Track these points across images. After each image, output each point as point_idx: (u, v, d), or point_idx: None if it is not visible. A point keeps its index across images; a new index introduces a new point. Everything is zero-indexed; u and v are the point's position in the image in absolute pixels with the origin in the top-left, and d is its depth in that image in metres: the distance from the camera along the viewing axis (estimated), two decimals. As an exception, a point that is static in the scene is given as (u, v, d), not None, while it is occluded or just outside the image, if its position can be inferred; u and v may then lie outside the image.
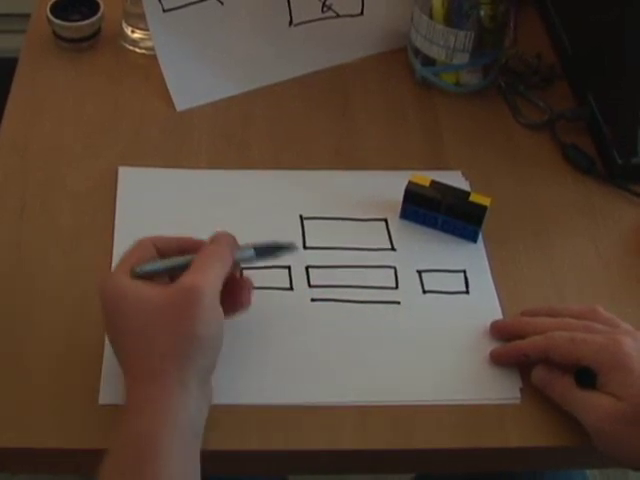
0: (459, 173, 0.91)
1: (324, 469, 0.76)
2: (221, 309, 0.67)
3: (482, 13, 0.94)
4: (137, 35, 1.02)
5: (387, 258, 0.84)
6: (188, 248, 0.72)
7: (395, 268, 0.83)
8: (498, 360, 0.76)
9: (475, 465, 0.76)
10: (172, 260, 0.71)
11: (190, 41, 0.96)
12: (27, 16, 1.06)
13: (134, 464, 0.62)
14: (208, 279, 0.67)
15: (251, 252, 0.74)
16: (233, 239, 0.73)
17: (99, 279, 0.69)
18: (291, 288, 0.80)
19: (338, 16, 1.01)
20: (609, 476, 1.54)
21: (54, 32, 1.01)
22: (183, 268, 0.69)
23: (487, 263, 0.84)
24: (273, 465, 0.75)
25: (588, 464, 0.91)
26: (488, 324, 0.78)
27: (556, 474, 0.95)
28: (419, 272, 0.83)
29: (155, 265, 0.70)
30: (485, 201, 0.84)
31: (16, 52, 1.02)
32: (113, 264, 0.80)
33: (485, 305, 0.81)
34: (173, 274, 0.70)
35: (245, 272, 0.77)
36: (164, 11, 0.93)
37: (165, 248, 0.72)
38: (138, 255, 0.70)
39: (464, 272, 0.83)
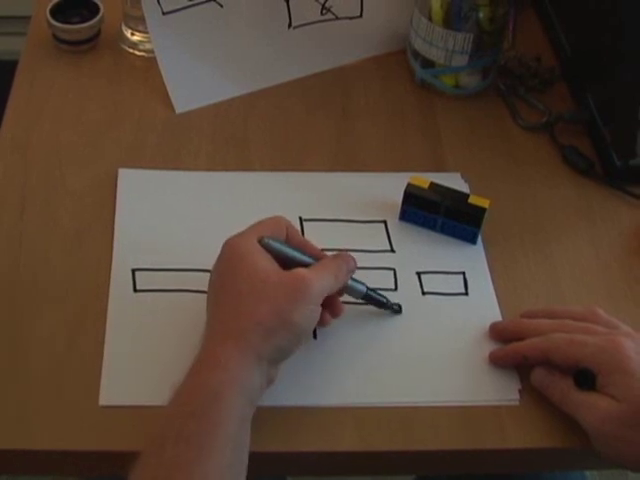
0: (458, 175, 0.92)
1: (323, 471, 0.76)
2: (320, 309, 0.71)
3: (481, 15, 0.94)
4: (137, 38, 1.02)
5: (386, 260, 0.84)
6: (309, 251, 0.75)
7: (394, 270, 0.83)
8: (497, 361, 0.76)
9: (474, 466, 0.76)
10: (296, 252, 0.73)
11: (189, 43, 0.96)
12: (27, 19, 1.06)
13: (196, 411, 0.63)
14: (320, 281, 0.70)
15: (363, 288, 0.77)
16: (354, 265, 0.76)
17: (230, 238, 0.72)
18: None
19: (337, 18, 1.01)
20: (608, 477, 1.54)
21: (54, 35, 1.01)
22: (300, 265, 0.72)
23: (486, 265, 0.84)
24: (272, 467, 0.75)
25: (587, 465, 0.91)
26: (487, 326, 0.79)
27: (555, 475, 0.95)
28: (418, 274, 0.83)
29: (282, 246, 0.73)
30: (484, 203, 0.84)
31: (16, 54, 1.02)
32: (113, 264, 0.81)
33: (484, 307, 0.81)
34: (290, 264, 0.72)
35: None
36: (163, 14, 0.93)
37: (292, 238, 0.75)
38: (271, 228, 0.73)
39: (463, 274, 0.83)
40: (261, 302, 0.68)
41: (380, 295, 0.78)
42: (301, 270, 0.70)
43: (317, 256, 0.75)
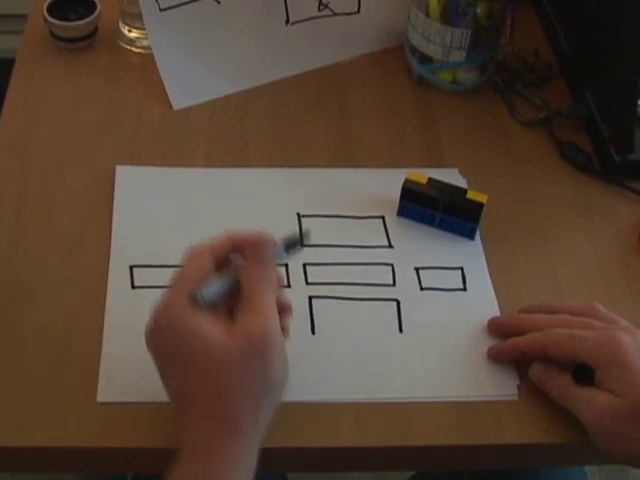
0: (456, 170, 0.92)
1: (322, 467, 0.76)
2: (282, 333, 0.66)
3: (478, 11, 0.94)
4: (134, 34, 1.02)
5: (384, 255, 0.84)
6: (241, 246, 0.69)
7: (392, 265, 0.83)
8: (496, 357, 0.76)
9: (473, 462, 0.76)
10: (228, 278, 0.68)
11: (187, 40, 0.96)
12: (24, 16, 1.06)
13: None
14: (271, 319, 0.65)
15: (283, 254, 0.71)
16: (273, 245, 0.70)
17: (156, 310, 0.65)
18: (288, 285, 0.80)
19: (335, 14, 1.01)
20: (608, 473, 1.54)
21: (51, 32, 1.01)
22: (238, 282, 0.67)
23: (484, 260, 0.84)
24: (272, 463, 0.75)
25: (586, 461, 0.91)
26: (486, 321, 0.78)
27: (554, 471, 0.95)
28: (416, 269, 0.83)
29: (216, 289, 0.66)
30: (482, 198, 0.84)
31: (13, 52, 1.02)
32: (111, 261, 0.81)
33: (483, 302, 0.81)
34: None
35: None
36: (161, 10, 0.93)
37: (222, 255, 0.69)
38: (196, 272, 0.66)
39: (461, 269, 0.83)
40: (232, 380, 0.63)
41: (290, 237, 0.73)
42: (252, 324, 0.64)
43: (247, 242, 0.69)
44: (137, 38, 1.02)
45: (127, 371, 0.73)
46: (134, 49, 1.02)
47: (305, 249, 0.83)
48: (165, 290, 0.66)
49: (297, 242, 0.72)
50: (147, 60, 0.98)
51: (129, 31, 1.03)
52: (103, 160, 0.90)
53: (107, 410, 0.71)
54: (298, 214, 0.86)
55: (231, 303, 0.67)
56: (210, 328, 0.63)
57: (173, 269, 0.80)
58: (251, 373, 0.63)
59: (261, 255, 0.69)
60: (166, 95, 0.96)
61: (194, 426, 0.63)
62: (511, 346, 0.75)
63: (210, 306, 0.65)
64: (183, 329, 0.63)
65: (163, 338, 0.65)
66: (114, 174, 0.88)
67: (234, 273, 0.68)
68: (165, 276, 0.79)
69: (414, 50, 1.00)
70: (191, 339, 0.63)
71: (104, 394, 0.72)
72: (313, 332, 0.77)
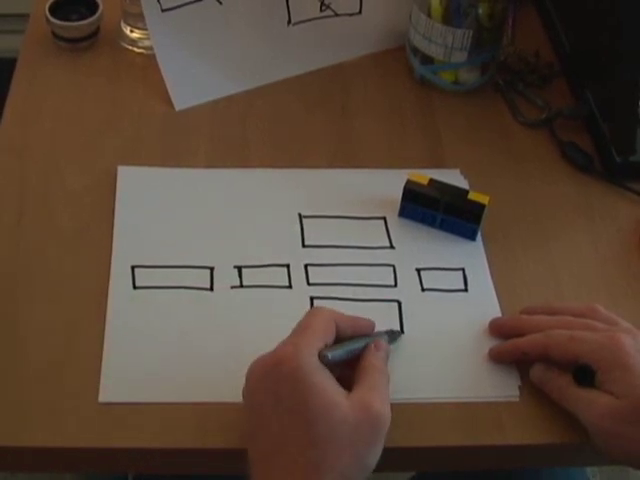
0: (457, 171, 0.92)
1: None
2: None
3: (480, 11, 0.94)
4: (136, 35, 1.02)
5: (386, 256, 0.84)
6: (359, 330, 0.72)
7: (394, 266, 0.83)
8: (497, 358, 0.76)
9: (474, 463, 0.76)
10: (352, 345, 0.70)
11: (189, 40, 0.96)
12: (26, 16, 1.06)
13: None
14: (386, 401, 0.66)
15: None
16: (387, 348, 0.72)
17: (283, 350, 0.66)
18: (290, 286, 0.80)
19: (336, 15, 1.01)
20: (609, 474, 1.54)
21: (53, 32, 1.01)
22: (358, 352, 0.70)
23: (486, 261, 0.84)
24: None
25: (587, 462, 0.91)
26: (487, 322, 0.78)
27: (556, 472, 0.95)
28: (418, 270, 0.83)
29: (342, 351, 0.68)
30: (484, 199, 0.84)
31: (15, 52, 1.02)
32: (113, 261, 0.81)
33: (484, 303, 0.81)
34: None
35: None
36: (163, 10, 0.93)
37: (343, 327, 0.70)
38: (324, 332, 0.68)
39: (463, 270, 0.83)
40: (343, 451, 0.62)
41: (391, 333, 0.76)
42: (373, 403, 0.64)
43: (367, 328, 0.73)
44: (139, 38, 1.02)
45: (128, 371, 0.74)
46: (136, 49, 1.02)
47: (306, 250, 0.83)
48: (292, 336, 0.67)
49: (398, 333, 0.77)
50: (149, 60, 0.98)
51: (131, 31, 1.03)
52: (104, 160, 0.90)
53: (108, 410, 0.71)
54: (299, 215, 0.86)
55: (338, 370, 0.67)
56: (333, 388, 0.64)
57: (174, 269, 0.81)
58: (358, 445, 0.63)
59: (384, 345, 0.72)
60: (168, 95, 0.96)
61: (282, 467, 0.63)
62: (512, 347, 0.75)
63: (330, 367, 0.66)
64: (307, 379, 0.63)
65: (280, 380, 0.64)
66: (115, 174, 0.88)
67: (358, 346, 0.70)
68: (167, 277, 0.80)
69: (416, 51, 1.00)
70: (312, 392, 0.63)
71: (106, 394, 0.72)
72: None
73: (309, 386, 0.63)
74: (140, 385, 0.73)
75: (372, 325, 0.74)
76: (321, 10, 1.00)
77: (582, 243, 0.87)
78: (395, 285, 0.82)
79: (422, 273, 0.83)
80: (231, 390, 0.72)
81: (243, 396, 0.68)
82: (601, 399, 0.69)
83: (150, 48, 0.97)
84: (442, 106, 1.00)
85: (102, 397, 0.72)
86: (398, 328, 0.78)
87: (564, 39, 1.05)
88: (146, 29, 0.96)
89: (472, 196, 0.84)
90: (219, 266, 0.81)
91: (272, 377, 0.65)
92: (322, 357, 0.65)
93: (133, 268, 0.81)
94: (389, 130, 0.96)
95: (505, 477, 0.92)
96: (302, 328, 0.68)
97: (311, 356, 0.65)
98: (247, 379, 0.67)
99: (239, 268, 0.81)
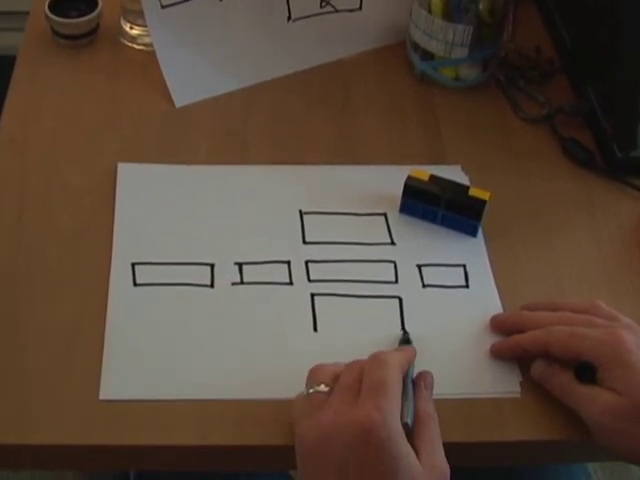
0: (458, 167, 0.91)
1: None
2: None
3: (481, 7, 0.94)
4: (135, 31, 1.02)
5: (387, 252, 0.84)
6: (411, 361, 0.71)
7: (395, 262, 0.83)
8: (498, 354, 0.76)
9: (475, 459, 0.76)
10: (410, 395, 0.68)
11: (188, 37, 0.96)
12: (25, 14, 1.06)
13: None
14: (444, 456, 0.65)
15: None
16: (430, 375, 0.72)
17: (368, 415, 0.62)
18: (291, 283, 0.80)
19: (337, 11, 1.01)
20: (611, 470, 1.54)
21: (52, 29, 1.01)
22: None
23: (487, 257, 0.84)
24: (274, 461, 0.75)
25: (588, 458, 0.91)
26: (488, 318, 0.78)
27: (557, 468, 0.95)
28: (419, 266, 0.83)
29: (412, 410, 0.67)
30: (484, 195, 0.84)
31: (15, 50, 1.02)
32: (113, 258, 0.80)
33: (485, 299, 0.81)
34: None
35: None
36: (162, 7, 0.93)
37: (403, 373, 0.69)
38: (399, 391, 0.66)
39: (464, 266, 0.83)
40: None
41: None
42: (441, 464, 0.64)
43: (413, 358, 0.72)
44: (139, 35, 1.02)
45: (129, 368, 0.73)
46: (136, 46, 1.02)
47: (307, 246, 0.83)
48: (371, 396, 0.64)
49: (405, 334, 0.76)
50: (149, 57, 0.98)
51: (131, 28, 1.02)
52: (105, 157, 0.90)
53: (109, 407, 0.71)
54: (300, 211, 0.86)
55: None
56: (413, 457, 0.63)
57: (175, 266, 0.81)
58: None
59: (428, 378, 0.71)
60: (168, 92, 0.96)
61: None
62: (513, 343, 0.75)
63: None
64: (396, 450, 0.62)
65: (367, 449, 0.61)
66: (115, 171, 0.88)
67: (411, 397, 0.68)
68: (167, 274, 0.80)
69: (416, 47, 1.00)
70: (400, 463, 0.62)
71: (106, 391, 0.72)
72: (315, 329, 0.77)
73: (398, 457, 0.62)
74: (141, 382, 0.73)
75: (414, 352, 0.73)
76: (321, 6, 1.00)
77: (583, 239, 0.87)
78: (396, 281, 0.81)
79: (423, 269, 0.82)
80: (232, 387, 0.73)
81: (300, 456, 0.65)
82: (602, 396, 0.68)
83: (150, 45, 0.97)
84: (443, 102, 1.00)
85: (103, 394, 0.72)
86: (399, 325, 0.78)
87: (565, 35, 1.05)
88: (146, 26, 0.96)
89: (473, 192, 0.84)
90: (220, 263, 0.81)
91: (356, 445, 0.62)
92: (404, 426, 0.64)
93: (133, 265, 0.80)
94: (390, 126, 0.96)
95: (506, 474, 0.92)
96: (380, 386, 0.64)
97: (398, 424, 0.63)
98: (306, 437, 0.64)
99: (240, 265, 0.81)
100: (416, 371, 0.73)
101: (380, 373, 0.65)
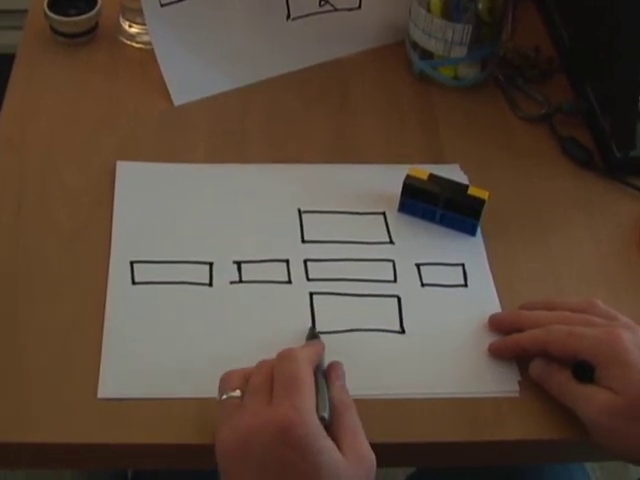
0: (457, 166, 0.91)
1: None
2: None
3: (480, 6, 0.94)
4: (134, 30, 1.02)
5: (385, 251, 0.84)
6: (320, 356, 0.71)
7: (393, 261, 0.83)
8: (496, 353, 0.76)
9: (473, 458, 0.76)
10: (324, 389, 0.67)
11: (187, 35, 0.96)
12: (24, 12, 1.06)
13: None
14: (369, 448, 0.64)
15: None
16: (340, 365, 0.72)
17: (284, 414, 0.61)
18: (289, 282, 0.80)
19: (336, 10, 1.01)
20: (609, 470, 1.54)
21: (51, 27, 1.01)
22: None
23: (485, 257, 0.84)
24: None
25: (587, 457, 0.91)
26: (486, 317, 0.78)
27: (556, 468, 0.95)
28: (417, 265, 0.83)
29: (327, 404, 0.65)
30: (483, 194, 0.84)
31: (13, 48, 1.02)
32: (112, 257, 0.80)
33: (484, 298, 0.81)
34: None
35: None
36: (161, 5, 0.93)
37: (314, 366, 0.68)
38: (312, 385, 0.65)
39: (462, 265, 0.83)
40: None
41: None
42: (362, 448, 0.63)
43: (322, 351, 0.71)
44: (138, 33, 1.02)
45: (127, 367, 0.73)
46: (135, 44, 1.02)
47: (306, 245, 0.83)
48: (284, 395, 0.63)
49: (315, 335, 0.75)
50: (148, 55, 0.98)
51: (130, 26, 1.02)
52: (103, 156, 0.90)
53: (107, 406, 0.71)
54: (299, 210, 0.86)
55: None
56: (334, 449, 0.62)
57: (173, 265, 0.80)
58: None
59: (338, 367, 0.71)
60: (167, 90, 0.96)
61: None
62: (512, 342, 0.75)
63: None
64: (317, 445, 0.61)
65: (286, 448, 0.61)
66: (114, 170, 0.88)
67: (326, 387, 0.68)
68: (166, 272, 0.80)
69: (415, 46, 1.00)
70: (322, 458, 0.61)
71: (105, 390, 0.72)
72: (314, 327, 0.77)
73: (319, 453, 0.61)
74: (139, 381, 0.73)
75: (323, 346, 0.72)
76: (320, 5, 1.00)
77: (582, 238, 0.87)
78: (395, 280, 0.81)
79: (422, 268, 0.82)
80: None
81: (220, 462, 0.64)
82: (600, 395, 0.68)
83: (149, 43, 0.97)
84: (441, 101, 1.00)
85: (101, 393, 0.72)
86: (398, 324, 0.78)
87: (564, 34, 1.05)
88: (145, 24, 0.95)
89: (472, 191, 0.84)
90: (218, 261, 0.81)
91: (275, 445, 0.61)
92: (321, 419, 0.63)
93: (132, 263, 0.80)
94: (388, 125, 0.96)
95: (505, 473, 0.92)
96: (292, 383, 0.64)
97: (315, 419, 0.62)
98: (225, 442, 0.63)
99: (238, 263, 0.81)
100: (413, 367, 0.73)
101: (291, 369, 0.65)
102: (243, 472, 0.62)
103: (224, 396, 0.66)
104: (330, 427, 0.64)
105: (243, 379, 0.67)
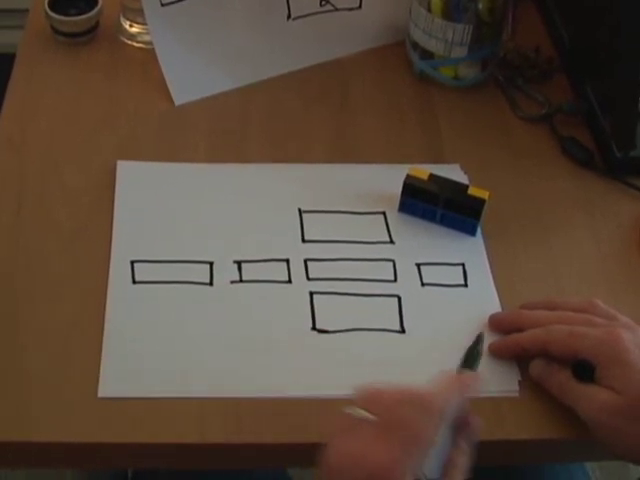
0: (457, 166, 0.91)
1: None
2: None
3: (480, 6, 0.94)
4: (135, 29, 1.02)
5: (386, 251, 0.84)
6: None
7: (394, 261, 0.83)
8: (496, 353, 0.76)
9: (474, 458, 0.76)
10: (444, 448, 0.64)
11: (188, 35, 0.96)
12: (25, 11, 1.06)
13: None
14: None
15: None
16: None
17: (379, 461, 0.60)
18: (290, 281, 0.80)
19: (336, 10, 1.01)
20: (609, 470, 1.54)
21: (52, 27, 1.01)
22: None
23: (486, 256, 0.84)
24: (274, 459, 0.75)
25: (587, 457, 0.91)
26: (487, 317, 0.78)
27: (556, 468, 0.95)
28: (418, 265, 0.83)
29: (438, 463, 0.63)
30: (483, 194, 0.84)
31: (14, 47, 1.02)
32: (112, 256, 0.81)
33: (484, 298, 0.81)
34: None
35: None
36: (162, 5, 0.93)
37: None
38: (427, 438, 0.62)
39: (463, 265, 0.83)
40: None
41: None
42: None
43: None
44: (138, 33, 1.02)
45: (128, 366, 0.73)
46: (135, 44, 1.02)
47: (306, 245, 0.83)
48: (394, 440, 0.61)
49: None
50: (148, 55, 0.98)
51: (130, 26, 1.02)
52: (103, 156, 0.90)
53: (108, 405, 0.71)
54: (299, 210, 0.86)
55: None
56: None
57: (174, 264, 0.80)
58: None
59: (475, 435, 0.68)
60: (167, 90, 0.96)
61: None
62: (512, 342, 0.75)
63: None
64: None
65: None
66: (114, 170, 0.88)
67: (448, 446, 0.64)
68: (166, 271, 0.80)
69: (415, 46, 1.00)
70: None
71: (105, 389, 0.72)
72: (314, 328, 0.77)
73: None
74: (139, 380, 0.73)
75: (469, 382, 0.69)
76: (321, 5, 1.00)
77: (582, 238, 0.87)
78: (395, 280, 0.81)
79: (422, 268, 0.82)
80: (231, 385, 0.73)
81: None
82: (600, 394, 0.69)
83: (149, 43, 0.97)
84: (442, 101, 1.00)
85: (101, 392, 0.72)
86: (398, 324, 0.78)
87: (564, 34, 1.05)
88: (145, 24, 0.96)
89: (472, 191, 0.84)
90: (219, 261, 0.81)
91: None
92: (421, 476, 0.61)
93: (132, 263, 0.80)
94: (388, 125, 0.96)
95: (505, 473, 0.92)
96: (412, 437, 0.62)
97: (408, 476, 0.61)
98: (328, 458, 0.62)
99: (239, 263, 0.81)
100: (413, 367, 0.72)
101: (420, 424, 0.62)
102: None
103: (361, 412, 0.64)
104: None
105: (385, 408, 0.64)
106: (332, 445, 0.63)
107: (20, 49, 1.01)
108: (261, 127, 0.95)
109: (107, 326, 0.76)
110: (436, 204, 0.85)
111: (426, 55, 1.00)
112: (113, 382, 0.72)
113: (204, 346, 0.75)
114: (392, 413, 0.63)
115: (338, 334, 0.77)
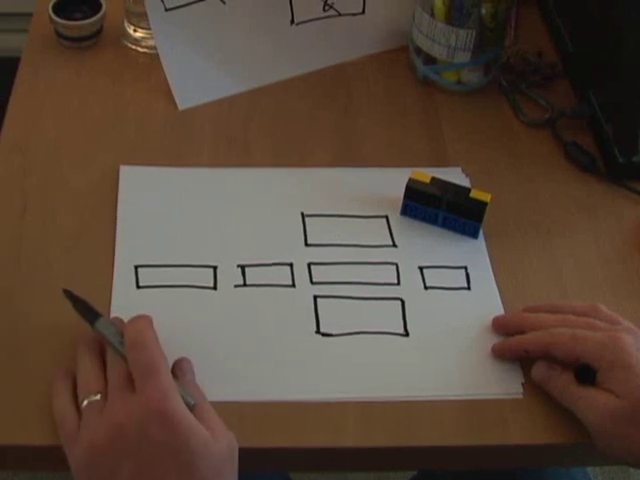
0: (459, 170, 0.92)
1: (326, 466, 0.76)
2: None
3: (483, 11, 0.94)
4: (139, 34, 1.02)
5: (388, 255, 0.84)
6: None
7: (397, 264, 0.83)
8: (499, 354, 0.76)
9: (477, 461, 0.76)
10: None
11: (192, 40, 0.96)
12: (29, 15, 1.06)
13: None
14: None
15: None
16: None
17: (147, 398, 0.63)
18: (293, 285, 0.80)
19: (340, 15, 1.01)
20: (610, 473, 1.54)
21: (56, 31, 1.01)
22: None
23: (488, 259, 0.84)
24: (275, 462, 0.75)
25: (590, 461, 0.90)
26: (490, 320, 0.78)
27: (557, 471, 0.95)
28: (420, 268, 0.83)
29: (188, 392, 0.68)
30: (485, 197, 0.84)
31: (18, 52, 1.02)
32: (116, 261, 0.81)
33: (486, 301, 0.81)
34: None
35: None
36: (166, 10, 0.93)
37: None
38: (168, 368, 0.67)
39: (465, 268, 0.83)
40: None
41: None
42: (227, 435, 0.66)
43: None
44: (142, 38, 1.02)
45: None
46: (139, 49, 1.03)
47: (309, 249, 0.84)
48: (152, 380, 0.64)
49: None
50: (152, 60, 0.98)
51: (134, 31, 1.03)
52: (107, 160, 0.90)
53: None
54: (302, 213, 0.87)
55: None
56: (202, 428, 0.64)
57: (178, 269, 0.81)
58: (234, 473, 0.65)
59: (190, 370, 0.73)
60: (171, 95, 0.96)
61: None
62: (515, 344, 0.75)
63: None
64: (186, 424, 0.63)
65: (158, 428, 0.63)
66: (118, 174, 0.88)
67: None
68: (170, 276, 0.80)
69: (419, 51, 1.00)
70: (190, 434, 0.63)
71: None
72: (318, 331, 0.77)
73: (189, 428, 0.63)
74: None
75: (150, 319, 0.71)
76: (324, 10, 1.00)
77: (585, 242, 0.87)
78: (398, 283, 0.82)
79: (425, 271, 0.83)
80: (234, 389, 0.73)
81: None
82: (601, 398, 0.69)
83: (153, 48, 0.97)
84: (445, 106, 1.00)
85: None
86: (402, 327, 0.78)
87: (567, 39, 1.05)
88: (149, 28, 0.96)
89: (474, 194, 0.84)
90: (222, 265, 0.81)
91: (147, 426, 0.63)
92: (186, 403, 0.65)
93: (136, 267, 0.81)
94: (392, 130, 0.97)
95: (508, 476, 0.92)
96: (150, 368, 0.65)
97: (178, 397, 0.64)
98: (94, 440, 0.64)
99: (242, 267, 0.81)
100: (417, 369, 0.73)
101: (146, 357, 0.66)
102: (120, 462, 0.63)
103: (85, 401, 0.67)
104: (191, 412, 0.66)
105: (100, 380, 0.68)
106: (88, 431, 0.65)
107: (24, 53, 1.02)
108: (265, 132, 0.95)
109: (111, 329, 0.76)
110: (438, 207, 0.85)
111: (429, 60, 1.00)
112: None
113: (207, 350, 0.75)
114: (112, 375, 0.68)
115: (342, 337, 0.77)
